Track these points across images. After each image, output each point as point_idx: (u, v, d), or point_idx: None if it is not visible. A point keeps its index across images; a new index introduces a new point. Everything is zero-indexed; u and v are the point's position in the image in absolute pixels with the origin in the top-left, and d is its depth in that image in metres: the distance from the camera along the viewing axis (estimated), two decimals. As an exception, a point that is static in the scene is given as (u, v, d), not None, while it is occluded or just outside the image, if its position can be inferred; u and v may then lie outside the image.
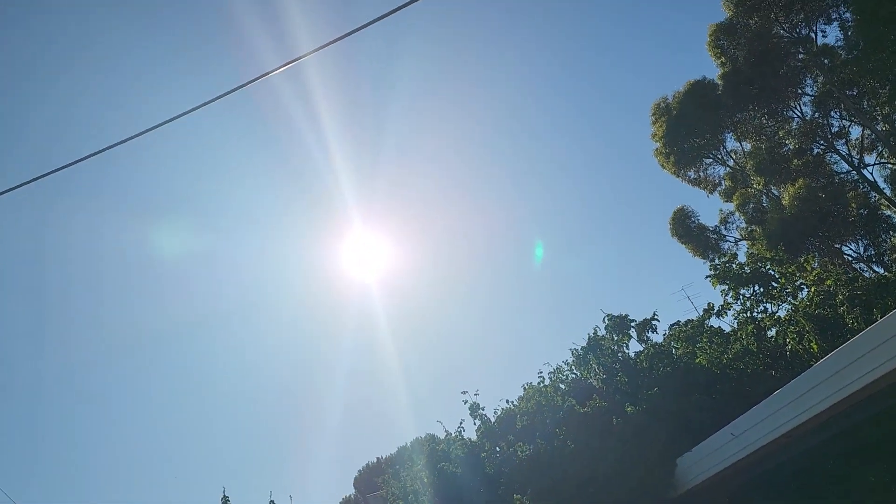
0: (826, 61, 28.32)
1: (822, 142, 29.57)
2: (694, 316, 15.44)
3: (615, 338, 13.74)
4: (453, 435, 14.55)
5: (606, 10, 55.30)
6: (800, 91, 29.82)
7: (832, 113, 29.44)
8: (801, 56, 29.10)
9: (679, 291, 17.59)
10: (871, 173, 29.05)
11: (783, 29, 29.17)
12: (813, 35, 28.74)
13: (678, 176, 33.45)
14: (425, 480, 14.02)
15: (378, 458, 42.78)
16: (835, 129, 29.52)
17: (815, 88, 29.50)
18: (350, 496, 43.34)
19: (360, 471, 45.17)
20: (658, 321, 14.33)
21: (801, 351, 12.09)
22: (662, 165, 33.09)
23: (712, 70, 30.85)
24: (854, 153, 29.40)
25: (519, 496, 11.90)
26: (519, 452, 12.53)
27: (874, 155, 29.37)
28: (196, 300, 62.70)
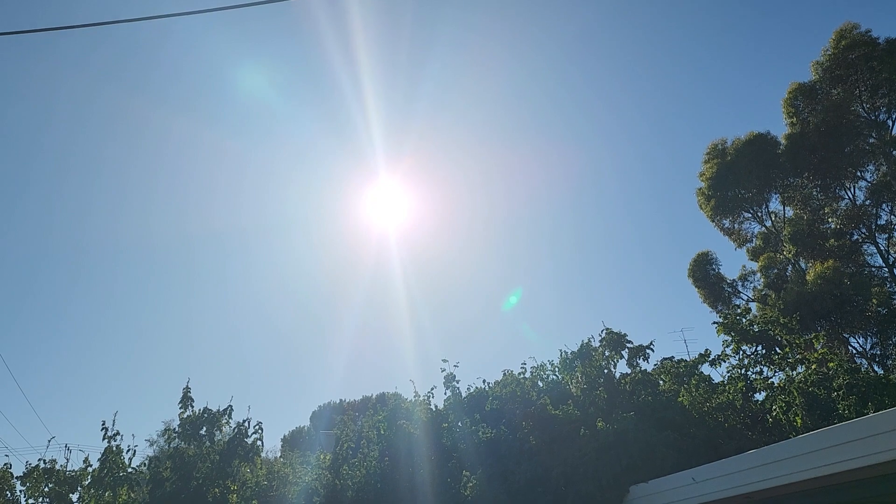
0: (895, 152, 27.73)
1: (864, 230, 29.09)
2: (686, 359, 15.31)
3: (607, 353, 13.62)
4: (421, 398, 14.56)
5: (694, 32, 54.06)
6: (859, 174, 29.28)
7: (883, 205, 28.92)
8: (871, 140, 28.50)
9: (678, 332, 17.47)
10: (902, 276, 28.61)
11: (863, 108, 28.53)
12: (890, 122, 28.11)
13: (713, 221, 33.07)
14: (382, 432, 14.06)
15: (341, 400, 43.27)
16: (881, 222, 29.02)
17: (876, 176, 28.94)
18: (304, 427, 43.91)
19: (319, 406, 45.72)
20: (652, 350, 14.21)
21: (785, 421, 11.96)
22: (701, 206, 32.70)
23: (779, 127, 30.35)
24: (893, 251, 28.92)
25: (468, 474, 11.92)
26: (481, 434, 12.52)
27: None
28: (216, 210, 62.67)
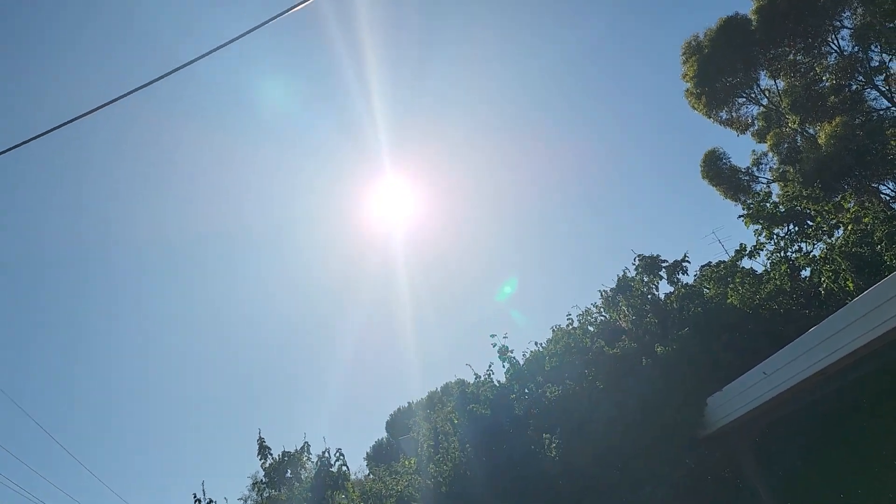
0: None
1: (860, 77, 28.49)
2: (724, 259, 15.22)
3: (645, 279, 13.60)
4: (482, 378, 14.65)
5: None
6: (838, 24, 28.63)
7: (872, 47, 28.25)
8: (840, -15, 27.83)
9: (710, 235, 17.30)
10: (912, 110, 28.02)
11: (822, -41, 27.84)
12: (854, -36, 27.42)
13: (709, 117, 32.60)
14: (455, 422, 14.18)
15: (409, 403, 43.65)
16: (874, 64, 28.36)
17: (854, 21, 28.28)
18: (382, 439, 44.43)
19: (391, 415, 46.21)
20: (689, 262, 14.17)
21: (837, 290, 11.85)
22: (693, 106, 32.24)
23: (746, 4, 29.75)
24: (894, 88, 28.31)
25: (548, 436, 12.01)
26: (548, 393, 12.60)
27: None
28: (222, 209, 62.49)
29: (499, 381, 14.50)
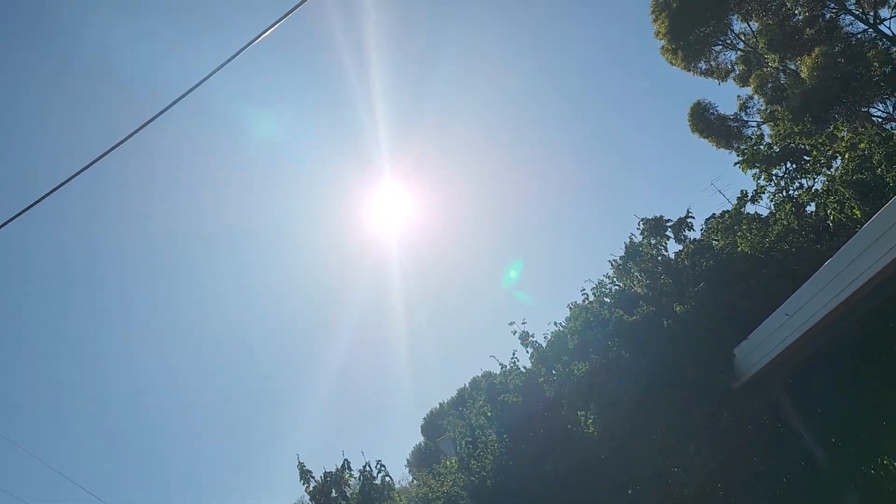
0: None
1: (832, 5, 28.30)
2: (728, 209, 15.16)
3: (652, 242, 13.54)
4: (508, 367, 14.64)
5: None
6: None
7: (839, -29, 28.06)
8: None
9: (709, 187, 17.17)
10: (889, 27, 27.80)
11: None
12: None
13: (689, 70, 32.43)
14: (489, 415, 14.17)
15: (440, 404, 43.68)
16: (844, -12, 28.17)
17: (817, -51, 28.08)
18: (420, 443, 44.46)
19: (425, 418, 46.20)
20: (693, 217, 14.09)
21: (844, 219, 11.79)
22: (671, 62, 32.07)
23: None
24: (867, 10, 28.11)
25: (582, 413, 11.99)
26: (576, 371, 12.57)
27: (886, 8, 28.05)
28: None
29: (525, 368, 14.49)
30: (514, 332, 14.41)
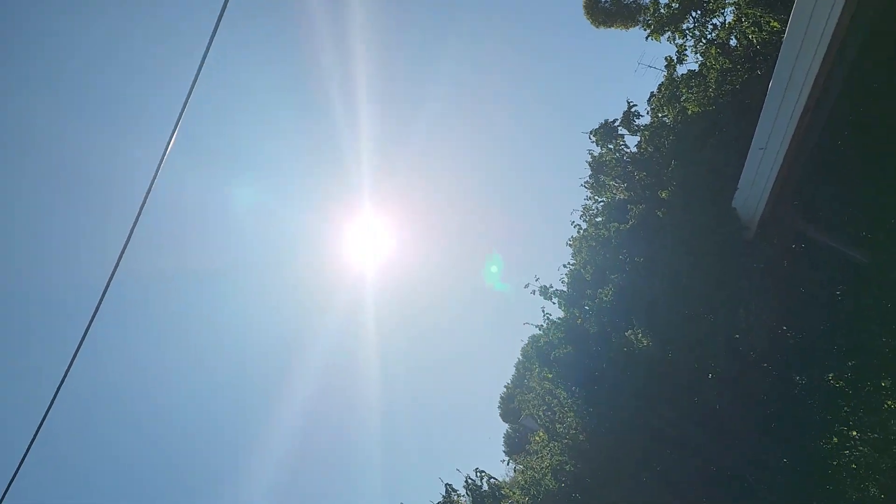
0: None
1: None
2: (661, 81, 15.11)
3: (610, 147, 13.52)
4: (545, 325, 14.59)
5: None
6: None
7: None
8: None
9: (639, 68, 17.05)
10: None
11: None
12: None
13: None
14: (549, 377, 14.14)
15: (506, 386, 43.69)
16: None
17: None
18: (507, 430, 44.45)
19: (499, 406, 46.22)
20: (636, 104, 14.08)
21: (767, 36, 11.76)
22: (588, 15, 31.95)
23: None
24: None
25: (630, 331, 11.97)
26: (603, 297, 12.55)
27: None
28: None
29: (559, 318, 14.46)
30: (533, 292, 14.37)
